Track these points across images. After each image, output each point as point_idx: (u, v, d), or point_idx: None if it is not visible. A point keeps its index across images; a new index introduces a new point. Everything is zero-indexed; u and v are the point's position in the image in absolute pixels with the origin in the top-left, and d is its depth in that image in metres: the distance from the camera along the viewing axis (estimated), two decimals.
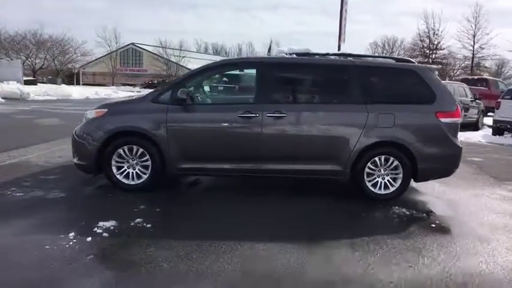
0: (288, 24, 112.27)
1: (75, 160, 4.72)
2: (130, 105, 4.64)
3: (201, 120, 4.49)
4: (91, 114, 4.64)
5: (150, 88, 46.40)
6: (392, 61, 4.96)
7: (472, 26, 37.45)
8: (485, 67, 38.97)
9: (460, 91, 13.16)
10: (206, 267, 2.85)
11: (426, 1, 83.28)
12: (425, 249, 3.34)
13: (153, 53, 58.02)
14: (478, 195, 5.11)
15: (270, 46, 19.53)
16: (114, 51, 56.07)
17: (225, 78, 5.38)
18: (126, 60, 61.22)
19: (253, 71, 5.05)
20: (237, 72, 5.18)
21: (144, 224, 3.59)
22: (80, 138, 4.57)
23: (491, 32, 37.04)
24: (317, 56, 4.76)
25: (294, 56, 4.74)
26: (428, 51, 40.08)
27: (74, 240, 3.18)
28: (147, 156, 4.46)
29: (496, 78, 23.28)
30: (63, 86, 27.21)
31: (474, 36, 37.45)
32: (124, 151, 4.47)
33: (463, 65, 39.34)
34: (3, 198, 4.14)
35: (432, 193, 5.02)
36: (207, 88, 4.86)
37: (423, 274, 2.89)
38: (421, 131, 4.51)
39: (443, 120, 4.52)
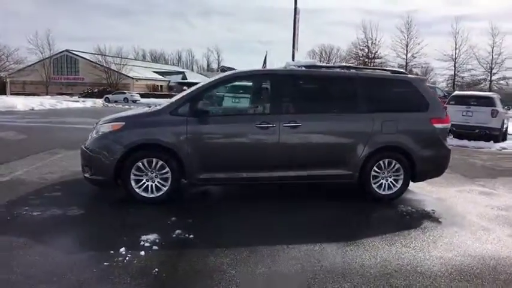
0: (222, 31, 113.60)
1: (87, 175, 4.59)
2: (149, 118, 4.61)
3: (221, 131, 4.60)
4: (106, 127, 4.54)
5: (90, 97, 44.70)
6: (389, 73, 5.44)
7: (404, 36, 40.81)
8: (417, 74, 42.47)
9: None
10: (273, 270, 3.01)
11: (357, 12, 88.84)
12: (444, 238, 3.80)
13: (90, 60, 55.48)
14: (461, 191, 5.75)
15: (266, 58, 19.65)
16: (47, 58, 52.60)
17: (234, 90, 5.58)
18: (60, 68, 57.84)
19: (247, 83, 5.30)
20: (245, 83, 5.37)
21: (186, 235, 3.64)
22: (94, 153, 4.46)
23: (421, 42, 40.67)
24: (323, 68, 5.12)
25: (303, 68, 5.04)
26: (367, 60, 42.82)
27: (129, 255, 3.16)
28: (167, 169, 4.46)
29: (434, 85, 25.55)
30: (4, 97, 25.18)
31: (407, 46, 40.83)
32: (143, 164, 4.45)
33: None
34: (23, 218, 3.93)
35: (423, 192, 5.56)
36: (223, 99, 4.97)
37: (450, 257, 3.29)
38: (419, 136, 5.01)
39: (437, 125, 5.08)
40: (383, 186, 5.00)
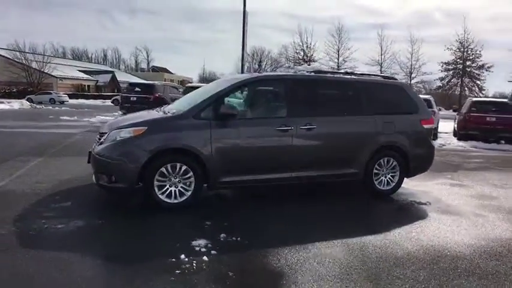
0: (150, 30, 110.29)
1: (103, 183, 4.38)
2: (172, 122, 4.50)
3: (243, 134, 4.66)
4: (126, 132, 4.36)
5: (9, 98, 40.44)
6: (381, 78, 5.92)
7: (336, 42, 43.30)
8: None
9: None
10: (339, 264, 3.20)
11: (284, 17, 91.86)
12: (449, 225, 4.33)
13: (6, 57, 50.25)
14: (439, 184, 6.45)
15: (260, 63, 19.23)
16: None
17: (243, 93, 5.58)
18: None
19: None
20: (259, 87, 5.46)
21: (234, 238, 3.68)
22: (115, 160, 4.27)
23: (351, 47, 43.51)
24: (329, 74, 5.44)
25: (312, 73, 5.31)
26: (303, 63, 44.61)
27: (194, 262, 3.14)
28: (191, 173, 4.43)
29: None
30: None
31: (338, 51, 43.37)
32: (167, 169, 4.36)
33: None
34: (49, 232, 3.64)
35: (409, 187, 6.10)
36: (243, 103, 5.01)
37: (449, 236, 3.79)
38: (412, 136, 5.55)
39: (425, 126, 5.68)
40: (383, 182, 5.46)
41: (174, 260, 3.17)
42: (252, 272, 3.07)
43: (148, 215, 4.25)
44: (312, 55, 44.14)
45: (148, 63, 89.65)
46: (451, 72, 42.56)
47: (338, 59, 43.49)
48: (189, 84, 20.60)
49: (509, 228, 4.37)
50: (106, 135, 4.51)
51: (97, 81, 59.47)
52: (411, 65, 43.15)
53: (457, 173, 7.65)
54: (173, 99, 16.87)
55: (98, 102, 42.20)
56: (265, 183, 4.92)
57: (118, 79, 62.66)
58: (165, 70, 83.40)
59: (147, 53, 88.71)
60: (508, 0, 64.87)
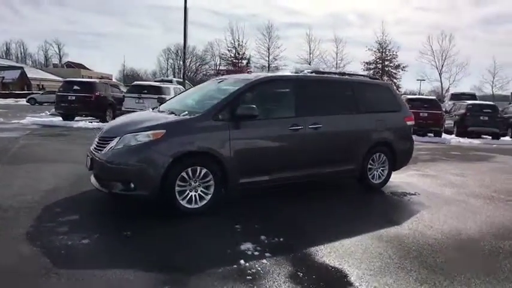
0: (60, 23, 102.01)
1: (118, 191, 4.07)
2: (191, 124, 4.29)
3: (260, 135, 4.64)
4: (143, 136, 4.08)
5: None
6: (368, 78, 6.27)
7: (266, 40, 44.26)
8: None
9: (177, 91, 15.31)
10: (387, 255, 3.39)
11: (205, 12, 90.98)
12: (442, 211, 4.80)
13: None
14: (412, 175, 7.05)
15: (249, 60, 18.18)
16: None
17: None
18: None
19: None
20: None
21: (277, 239, 3.67)
22: (134, 166, 3.99)
23: (281, 46, 44.85)
24: (325, 74, 5.63)
25: (313, 73, 5.45)
26: (236, 61, 44.87)
27: (257, 265, 3.10)
28: (210, 176, 4.30)
29: None
30: None
31: (269, 49, 44.37)
32: (187, 174, 4.19)
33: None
34: (78, 249, 3.29)
35: (391, 179, 6.58)
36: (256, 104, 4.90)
37: (455, 222, 4.27)
38: (398, 132, 5.99)
39: (408, 123, 6.16)
40: (375, 176, 5.82)
41: (235, 266, 3.08)
42: (316, 269, 3.11)
43: (173, 223, 4.04)
44: (244, 53, 44.62)
45: (60, 59, 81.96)
46: (371, 71, 45.98)
47: (269, 57, 44.55)
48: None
49: (497, 212, 4.96)
50: (116, 139, 4.18)
51: (3, 77, 53.51)
52: (336, 64, 45.77)
53: (417, 164, 8.38)
54: (116, 99, 16.01)
55: (9, 101, 37.84)
56: (279, 182, 4.95)
57: (28, 75, 57.14)
58: (82, 66, 77.35)
59: (58, 47, 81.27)
60: (412, 6, 71.64)
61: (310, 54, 45.11)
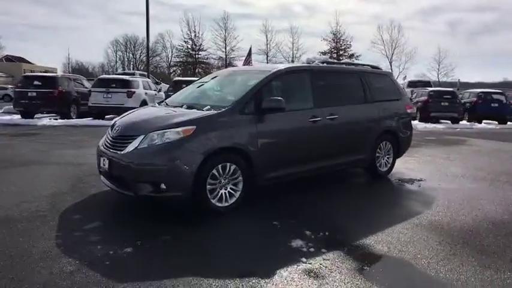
0: None
1: (147, 193, 3.80)
2: (221, 119, 4.07)
3: (284, 127, 4.52)
4: (173, 133, 3.82)
5: None
6: (369, 67, 6.32)
7: (222, 31, 43.67)
8: (237, 66, 46.21)
9: (145, 85, 15.65)
10: (437, 241, 3.44)
11: (152, 3, 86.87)
12: (448, 191, 4.99)
13: None
14: (405, 161, 7.23)
15: (250, 51, 17.11)
16: None
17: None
18: None
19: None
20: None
21: (326, 233, 3.60)
22: (165, 165, 3.73)
23: (238, 37, 44.47)
24: (335, 64, 5.61)
25: (325, 64, 5.40)
26: (193, 52, 43.87)
27: (320, 263, 3.02)
28: (239, 172, 4.15)
29: None
30: None
31: (225, 40, 43.83)
32: (218, 171, 4.00)
33: (220, 64, 45.40)
34: (124, 258, 3.03)
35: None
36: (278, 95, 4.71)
37: (479, 206, 4.48)
38: (401, 120, 6.13)
39: (409, 111, 6.32)
40: (381, 164, 5.92)
41: (299, 265, 2.98)
42: (380, 261, 3.09)
43: (207, 223, 3.85)
44: (201, 44, 43.73)
45: None
46: None
47: (225, 48, 44.05)
48: (177, 78, 18.49)
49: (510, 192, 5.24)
50: (140, 138, 3.88)
51: None
52: (293, 54, 46.28)
53: None
54: (80, 93, 15.07)
55: None
56: (301, 175, 4.88)
57: None
58: (23, 60, 71.94)
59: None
60: None
61: (267, 45, 45.16)
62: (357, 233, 3.66)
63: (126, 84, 14.30)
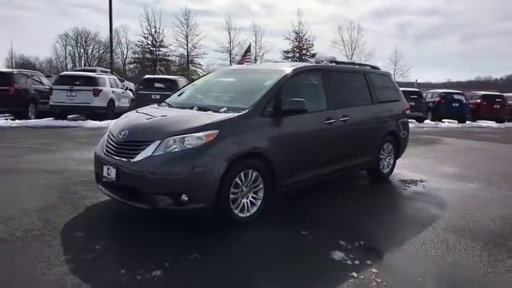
0: None
1: (167, 205, 3.40)
2: (243, 122, 3.72)
3: (301, 130, 4.27)
4: (194, 139, 3.43)
5: None
6: (369, 67, 6.21)
7: (184, 27, 42.56)
8: (199, 64, 45.32)
9: (112, 82, 14.69)
10: (480, 238, 3.36)
11: None
12: (452, 191, 5.02)
13: None
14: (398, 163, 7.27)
15: (249, 47, 15.78)
16: None
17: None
18: None
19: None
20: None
21: (357, 243, 3.40)
22: (188, 174, 3.35)
23: (200, 34, 43.55)
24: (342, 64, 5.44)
25: (334, 63, 5.20)
26: (153, 49, 42.35)
27: (373, 276, 2.80)
28: (260, 179, 3.85)
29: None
30: None
31: (187, 37, 42.74)
32: (240, 179, 3.68)
33: (182, 61, 44.22)
34: (155, 284, 2.64)
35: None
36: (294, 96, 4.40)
37: (493, 205, 4.55)
38: (401, 121, 6.09)
39: (407, 112, 6.30)
40: (384, 166, 5.85)
41: (352, 280, 2.76)
42: (427, 271, 2.93)
43: (232, 236, 3.52)
44: (162, 40, 42.32)
45: None
46: (289, 60, 47.27)
47: (187, 45, 42.99)
48: (148, 76, 16.93)
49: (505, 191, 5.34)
50: (155, 144, 3.46)
51: None
52: (256, 53, 46.06)
53: None
54: (38, 92, 13.91)
55: None
56: (316, 179, 4.64)
57: None
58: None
59: None
60: None
61: (230, 42, 44.63)
62: (389, 241, 3.52)
63: (92, 81, 13.38)
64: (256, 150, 3.77)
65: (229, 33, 43.70)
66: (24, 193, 4.61)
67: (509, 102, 20.05)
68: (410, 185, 5.59)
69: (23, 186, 4.89)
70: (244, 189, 3.74)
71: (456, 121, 18.60)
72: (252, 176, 3.77)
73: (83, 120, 13.07)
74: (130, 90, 16.94)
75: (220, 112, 3.89)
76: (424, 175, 6.24)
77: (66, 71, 50.27)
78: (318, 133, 4.51)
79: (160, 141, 3.48)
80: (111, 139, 3.93)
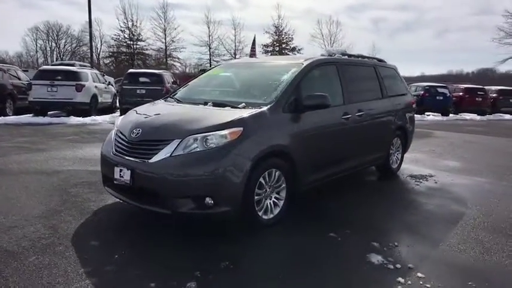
0: None
1: (189, 210, 3.15)
2: (265, 118, 3.49)
3: (321, 126, 4.07)
4: (218, 137, 3.18)
5: None
6: (376, 61, 6.06)
7: (162, 20, 41.55)
8: (178, 58, 44.37)
9: (94, 77, 14.14)
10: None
11: None
12: (463, 186, 4.97)
13: None
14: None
15: (254, 40, 14.94)
16: None
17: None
18: None
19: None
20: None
21: (391, 244, 3.26)
22: (206, 176, 3.10)
23: (178, 27, 42.62)
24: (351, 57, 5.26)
25: (346, 56, 5.02)
26: (130, 42, 41.19)
27: (421, 282, 2.66)
28: (282, 178, 3.65)
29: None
30: None
31: (165, 31, 41.76)
32: (264, 178, 3.47)
33: (160, 55, 43.20)
34: None
35: None
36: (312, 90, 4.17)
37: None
38: (408, 116, 5.99)
39: (413, 106, 6.22)
40: (393, 161, 5.75)
41: (400, 286, 2.60)
42: (475, 276, 2.81)
43: (258, 239, 3.31)
44: (140, 34, 41.15)
45: None
46: (269, 53, 47.00)
47: (165, 39, 41.99)
48: (132, 70, 15.72)
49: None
50: (174, 143, 3.20)
51: None
52: (235, 47, 45.56)
53: None
54: (16, 87, 13.19)
55: None
56: (334, 176, 4.47)
57: None
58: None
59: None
60: None
61: (209, 36, 43.86)
62: (423, 241, 3.38)
63: (74, 76, 12.76)
64: (279, 148, 3.55)
65: (208, 27, 42.93)
66: (20, 197, 4.25)
67: (491, 95, 20.50)
68: (421, 181, 5.50)
69: (18, 189, 4.51)
70: (268, 189, 3.53)
71: (440, 114, 18.87)
72: (275, 175, 3.56)
73: (65, 116, 12.49)
74: (111, 84, 16.34)
75: (239, 108, 3.65)
76: (430, 170, 6.19)
77: (37, 65, 48.44)
78: (336, 129, 4.33)
79: (180, 140, 3.21)
80: (120, 138, 3.63)
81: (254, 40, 17.91)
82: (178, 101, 4.29)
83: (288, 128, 3.68)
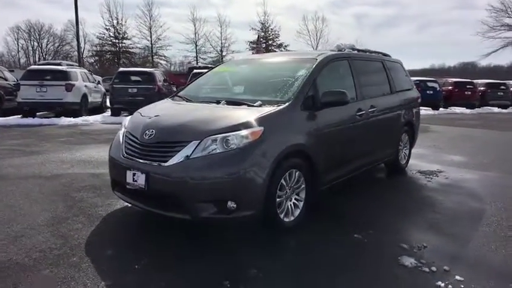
0: None
1: (210, 215, 2.98)
2: (284, 116, 3.33)
3: (337, 123, 3.93)
4: (239, 138, 3.01)
5: None
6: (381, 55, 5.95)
7: (147, 18, 40.97)
8: (164, 56, 43.84)
9: (84, 76, 13.84)
10: None
11: None
12: (473, 181, 4.93)
13: None
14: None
15: (258, 37, 14.48)
16: None
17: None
18: None
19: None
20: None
21: (418, 245, 3.15)
22: (228, 178, 2.94)
23: (164, 25, 42.13)
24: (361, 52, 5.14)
25: (356, 51, 4.90)
26: (115, 41, 40.51)
27: (462, 285, 2.55)
28: (302, 179, 3.51)
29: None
30: None
31: (150, 28, 41.18)
32: (285, 179, 3.32)
33: (146, 53, 42.67)
34: None
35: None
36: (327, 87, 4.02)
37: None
38: (415, 111, 5.91)
39: (419, 101, 6.14)
40: (401, 157, 5.66)
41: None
42: None
43: (282, 244, 3.16)
44: (125, 32, 40.49)
45: None
46: (255, 51, 46.73)
47: (151, 37, 41.42)
48: (123, 69, 15.27)
49: None
50: (192, 144, 3.02)
51: None
52: (221, 44, 45.22)
53: None
54: (2, 87, 12.77)
55: None
56: (350, 174, 4.35)
57: None
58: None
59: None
60: None
61: (195, 33, 43.40)
62: (453, 241, 3.28)
63: (63, 76, 12.37)
64: (299, 147, 3.41)
65: (194, 25, 42.50)
66: (22, 203, 4.02)
67: (479, 88, 20.74)
68: (431, 177, 5.43)
69: (18, 196, 4.27)
70: (288, 191, 3.39)
71: (430, 108, 19.00)
72: (295, 175, 3.41)
73: (56, 117, 12.11)
74: (100, 83, 15.97)
75: (255, 106, 3.49)
76: (437, 165, 6.13)
77: (19, 65, 47.22)
78: (352, 126, 4.20)
79: (198, 141, 3.03)
80: (131, 140, 3.43)
81: (258, 37, 17.97)
82: (188, 100, 4.11)
83: (306, 126, 3.54)
